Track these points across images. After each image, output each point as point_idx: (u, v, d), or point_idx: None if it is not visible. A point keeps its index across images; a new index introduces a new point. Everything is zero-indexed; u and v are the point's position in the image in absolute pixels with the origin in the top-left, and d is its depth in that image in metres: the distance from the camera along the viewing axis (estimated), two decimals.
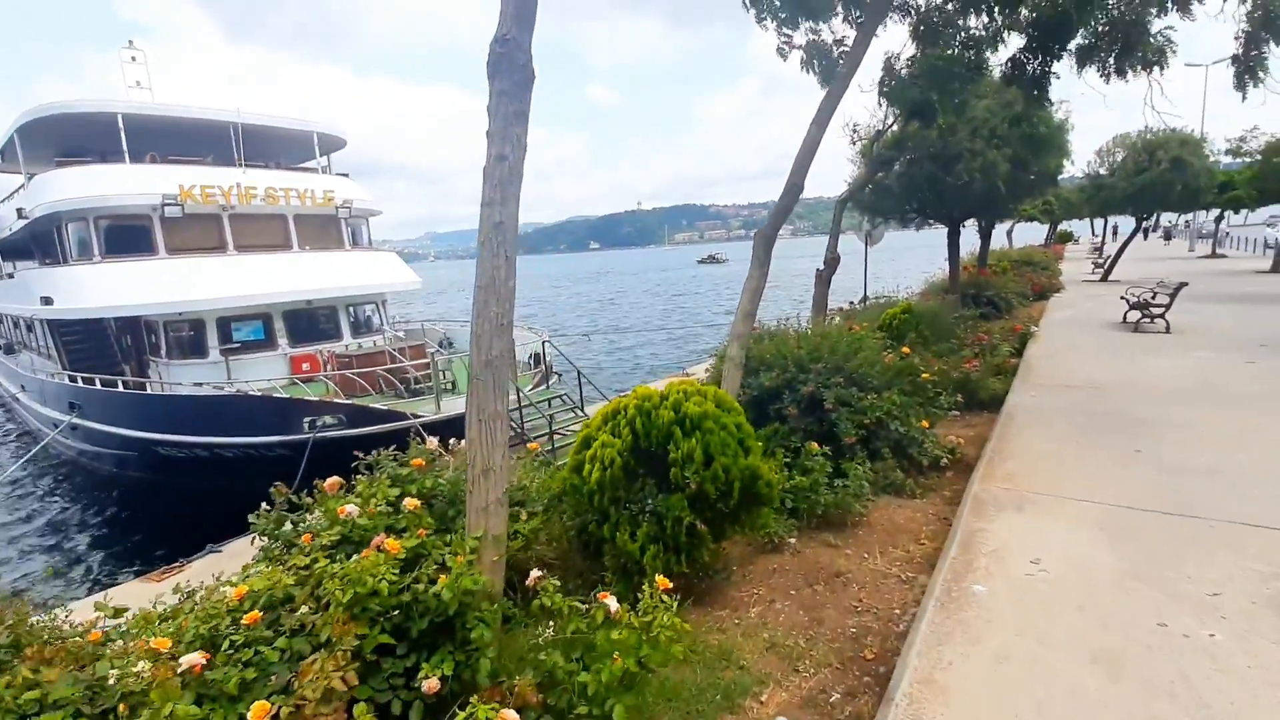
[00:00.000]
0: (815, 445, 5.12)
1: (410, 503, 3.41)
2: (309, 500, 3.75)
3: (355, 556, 3.08)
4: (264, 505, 3.80)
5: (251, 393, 11.35)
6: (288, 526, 3.68)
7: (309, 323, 15.94)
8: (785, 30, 6.90)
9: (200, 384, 12.42)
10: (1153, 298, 11.78)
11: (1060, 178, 13.96)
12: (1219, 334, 10.59)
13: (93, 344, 15.65)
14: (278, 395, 11.04)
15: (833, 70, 6.69)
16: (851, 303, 12.56)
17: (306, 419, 10.73)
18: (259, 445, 10.88)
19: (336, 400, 10.84)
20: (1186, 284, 11.50)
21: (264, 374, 14.09)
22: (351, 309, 16.82)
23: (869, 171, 9.02)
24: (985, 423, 7.50)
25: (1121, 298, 12.31)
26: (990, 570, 3.66)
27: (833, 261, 8.53)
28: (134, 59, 17.93)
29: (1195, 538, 3.94)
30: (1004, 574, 3.62)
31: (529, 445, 4.93)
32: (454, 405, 11.95)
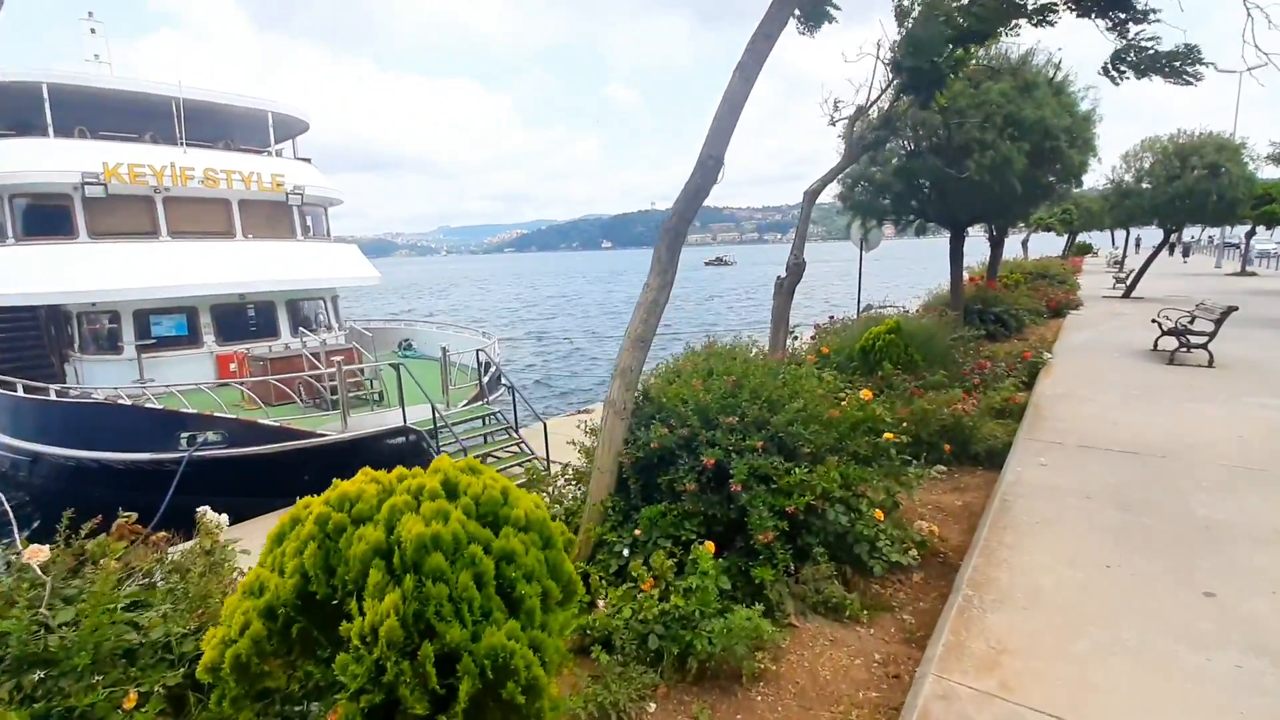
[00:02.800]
0: (710, 547, 3.40)
1: None
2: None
3: None
4: None
5: (121, 400, 9.77)
6: None
7: (241, 319, 14.44)
8: None
9: (68, 387, 10.90)
10: (1191, 323, 9.90)
11: (1083, 183, 12.24)
12: (1277, 371, 8.68)
13: (23, 335, 14.42)
14: (150, 405, 9.43)
15: None
16: (833, 317, 10.79)
17: (184, 434, 9.15)
18: (124, 463, 9.29)
19: (218, 415, 9.21)
20: (1236, 308, 9.59)
21: (185, 375, 12.67)
22: (293, 304, 15.26)
23: (850, 154, 7.26)
24: (978, 486, 5.73)
25: (1153, 321, 10.44)
26: None
27: (795, 269, 6.78)
28: (93, 31, 16.65)
29: None
30: None
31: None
32: (366, 422, 10.32)
